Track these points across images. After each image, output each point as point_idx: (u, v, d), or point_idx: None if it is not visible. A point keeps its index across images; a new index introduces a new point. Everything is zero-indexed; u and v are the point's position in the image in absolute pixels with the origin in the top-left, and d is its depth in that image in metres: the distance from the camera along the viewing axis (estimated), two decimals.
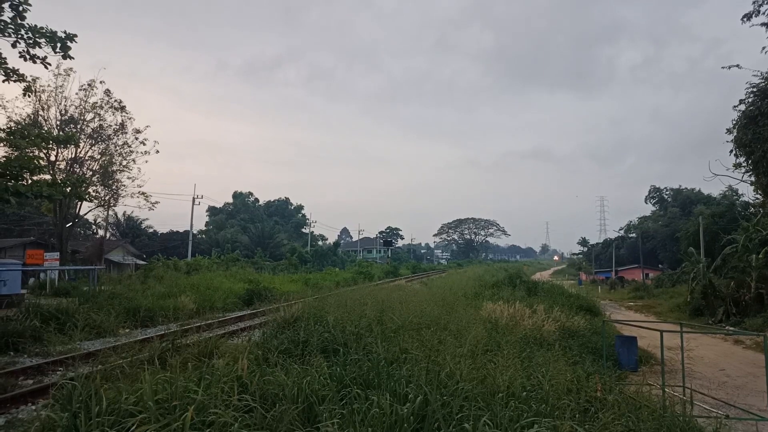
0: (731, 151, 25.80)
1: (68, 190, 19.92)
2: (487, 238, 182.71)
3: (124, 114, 35.32)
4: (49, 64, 14.97)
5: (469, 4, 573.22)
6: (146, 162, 37.26)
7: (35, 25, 14.10)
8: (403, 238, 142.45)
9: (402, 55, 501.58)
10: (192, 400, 5.32)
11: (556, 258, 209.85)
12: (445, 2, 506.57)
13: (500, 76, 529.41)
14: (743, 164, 26.00)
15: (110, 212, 48.75)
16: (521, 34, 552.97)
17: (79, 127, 33.46)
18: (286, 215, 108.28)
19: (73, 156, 33.24)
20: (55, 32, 14.28)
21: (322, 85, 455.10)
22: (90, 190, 30.56)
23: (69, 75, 32.53)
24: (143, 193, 36.86)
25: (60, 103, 32.86)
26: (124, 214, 64.93)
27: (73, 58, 14.93)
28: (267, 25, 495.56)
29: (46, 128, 30.91)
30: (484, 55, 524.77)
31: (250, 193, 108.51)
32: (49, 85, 32.05)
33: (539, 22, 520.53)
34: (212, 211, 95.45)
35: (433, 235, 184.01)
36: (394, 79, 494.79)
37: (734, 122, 25.41)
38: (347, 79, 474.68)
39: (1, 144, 17.15)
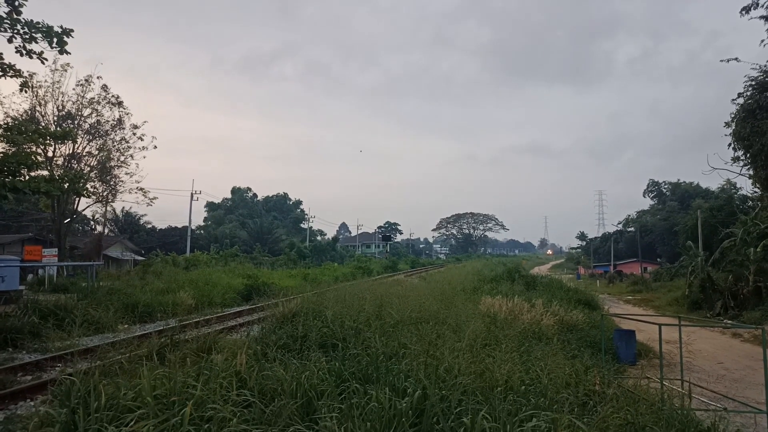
0: (730, 145, 25.84)
1: (66, 185, 19.91)
2: (485, 233, 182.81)
3: (121, 109, 35.17)
4: (46, 60, 14.86)
5: None
6: (144, 158, 37.31)
7: (31, 20, 14.00)
8: (401, 233, 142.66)
9: (399, 50, 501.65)
10: (191, 396, 5.32)
11: (549, 252, 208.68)
12: None
13: (498, 70, 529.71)
14: (741, 158, 26.04)
15: (108, 208, 48.65)
16: (518, 29, 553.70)
17: (76, 122, 33.31)
18: (284, 210, 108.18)
19: (70, 152, 33.08)
20: (52, 27, 14.17)
21: (320, 80, 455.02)
22: (88, 185, 30.43)
23: (66, 70, 32.34)
24: (141, 189, 36.71)
25: (57, 99, 32.69)
26: (122, 209, 64.90)
27: (70, 53, 14.82)
28: (263, 19, 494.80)
29: (43, 124, 30.75)
30: (481, 50, 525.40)
31: (249, 189, 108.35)
32: (46, 81, 31.87)
33: (537, 16, 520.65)
34: (211, 206, 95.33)
35: (432, 230, 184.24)
36: (391, 74, 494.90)
37: (733, 116, 25.43)
38: (345, 74, 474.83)
39: None
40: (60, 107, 32.91)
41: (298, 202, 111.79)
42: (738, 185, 46.24)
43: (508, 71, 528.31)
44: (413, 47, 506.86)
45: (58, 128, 29.27)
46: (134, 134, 35.98)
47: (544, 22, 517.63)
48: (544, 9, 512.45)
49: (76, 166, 33.05)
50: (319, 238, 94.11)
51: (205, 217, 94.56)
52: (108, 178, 35.96)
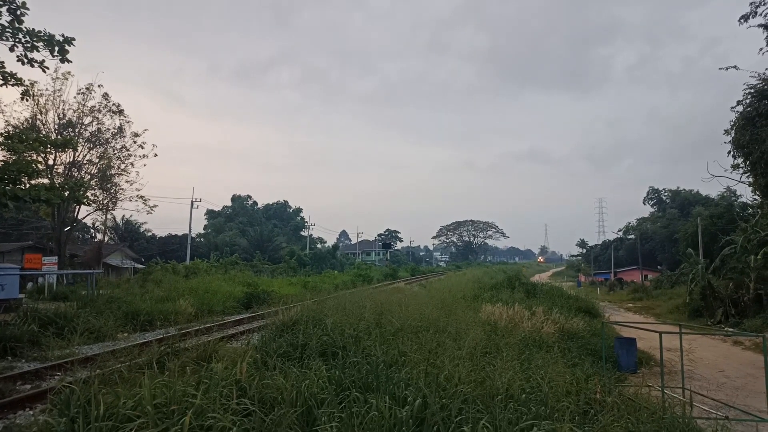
0: (729, 152, 25.88)
1: (66, 194, 19.91)
2: (485, 240, 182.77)
3: (122, 117, 35.35)
4: (47, 68, 14.91)
5: (461, 4, 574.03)
6: (144, 165, 37.33)
7: (33, 29, 14.06)
8: (401, 241, 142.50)
9: (396, 57, 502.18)
10: (191, 405, 5.31)
11: (540, 260, 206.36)
12: (438, 3, 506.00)
13: (495, 77, 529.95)
14: (741, 165, 26.07)
15: (108, 216, 48.67)
16: (516, 35, 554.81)
17: (77, 130, 33.44)
18: (284, 218, 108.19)
19: (71, 160, 33.18)
20: (53, 36, 14.23)
21: (318, 87, 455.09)
22: (88, 193, 30.45)
23: (67, 79, 32.55)
24: (141, 197, 36.82)
25: (58, 107, 32.86)
26: (122, 217, 65.06)
27: (71, 62, 14.88)
28: (259, 27, 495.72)
29: (44, 132, 30.86)
30: (478, 56, 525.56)
31: (249, 197, 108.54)
32: (47, 89, 32.06)
33: (534, 22, 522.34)
34: (211, 214, 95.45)
35: (432, 238, 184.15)
36: (389, 81, 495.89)
37: (732, 123, 25.49)
38: (342, 82, 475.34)
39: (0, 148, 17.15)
40: (61, 115, 33.07)
41: (298, 210, 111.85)
42: (738, 193, 46.38)
43: (505, 78, 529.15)
44: (410, 54, 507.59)
45: (59, 136, 29.41)
46: (135, 142, 36.16)
47: (542, 28, 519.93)
48: (541, 15, 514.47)
49: (76, 174, 33.13)
50: (319, 245, 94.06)
51: (205, 225, 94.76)
52: (108, 186, 36.06)
